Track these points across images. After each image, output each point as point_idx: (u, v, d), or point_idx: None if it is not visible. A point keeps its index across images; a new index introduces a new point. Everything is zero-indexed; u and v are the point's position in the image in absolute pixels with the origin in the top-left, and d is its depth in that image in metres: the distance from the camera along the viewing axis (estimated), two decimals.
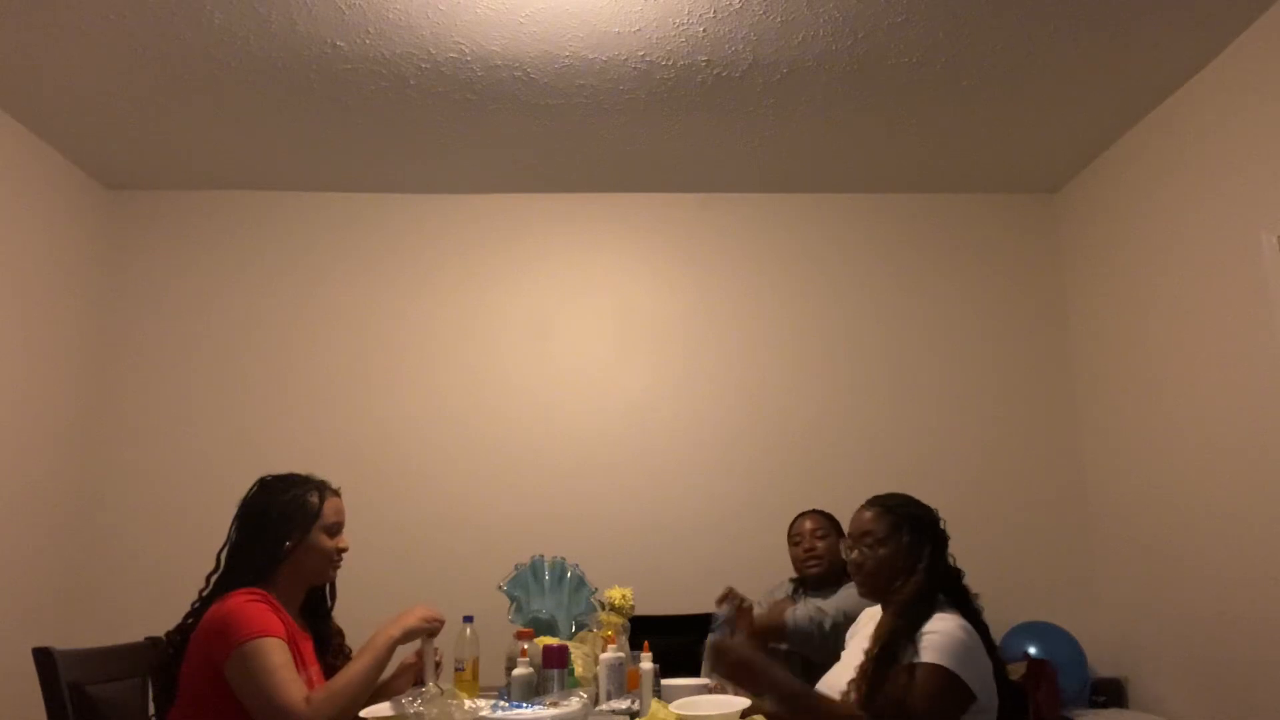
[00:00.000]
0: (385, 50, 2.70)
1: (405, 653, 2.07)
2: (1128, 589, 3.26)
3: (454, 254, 3.65)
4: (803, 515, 2.86)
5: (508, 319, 3.61)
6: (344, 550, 1.95)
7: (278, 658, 1.68)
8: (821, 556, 2.71)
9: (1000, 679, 1.80)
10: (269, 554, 1.84)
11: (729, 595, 2.41)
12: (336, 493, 1.97)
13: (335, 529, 1.92)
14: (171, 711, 1.79)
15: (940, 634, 1.73)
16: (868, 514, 1.94)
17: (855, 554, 1.93)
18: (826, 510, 2.86)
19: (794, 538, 2.81)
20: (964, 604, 1.85)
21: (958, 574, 1.90)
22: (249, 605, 1.74)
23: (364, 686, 1.77)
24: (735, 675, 1.82)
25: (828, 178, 3.62)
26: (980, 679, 1.72)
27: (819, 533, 2.71)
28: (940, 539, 1.91)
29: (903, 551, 1.87)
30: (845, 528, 2.67)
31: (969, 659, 1.71)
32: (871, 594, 1.94)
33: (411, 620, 1.90)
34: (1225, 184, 2.74)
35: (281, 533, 1.85)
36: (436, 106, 3.01)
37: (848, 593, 2.54)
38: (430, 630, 1.94)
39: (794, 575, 2.87)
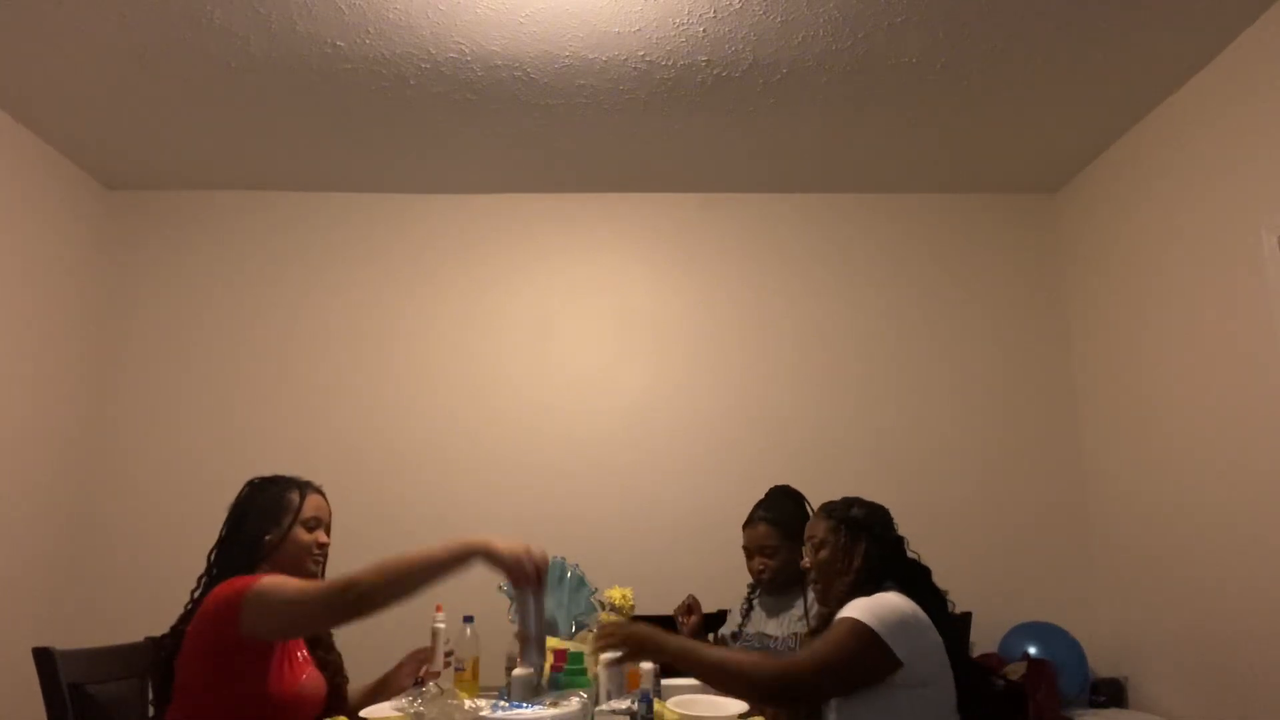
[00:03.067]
0: (385, 50, 2.70)
1: (413, 647, 2.09)
2: (1128, 589, 3.26)
3: (454, 254, 3.65)
4: (754, 522, 2.65)
5: (508, 319, 3.61)
6: (323, 545, 1.96)
7: (284, 580, 1.70)
8: (776, 570, 2.58)
9: (966, 667, 1.81)
10: (250, 549, 1.88)
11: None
12: (319, 491, 2.01)
13: (313, 523, 1.94)
14: (169, 711, 1.79)
15: (869, 598, 1.77)
16: (813, 521, 2.03)
17: (805, 560, 2.02)
18: (789, 494, 2.72)
19: (746, 549, 2.66)
20: (922, 595, 1.84)
21: (921, 570, 1.92)
22: (235, 579, 1.76)
23: (417, 570, 1.61)
24: (629, 649, 1.86)
25: (828, 178, 3.62)
26: (910, 648, 1.70)
27: (768, 550, 2.57)
28: (881, 536, 1.94)
29: (840, 552, 1.93)
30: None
31: (898, 625, 1.71)
32: (821, 597, 1.99)
33: (500, 542, 1.64)
34: (1225, 183, 2.75)
35: (261, 528, 1.89)
36: (436, 106, 3.01)
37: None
38: (517, 568, 1.65)
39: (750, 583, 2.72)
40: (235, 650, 1.69)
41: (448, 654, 2.04)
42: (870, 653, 1.68)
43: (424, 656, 2.04)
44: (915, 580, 1.88)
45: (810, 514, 2.67)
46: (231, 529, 1.92)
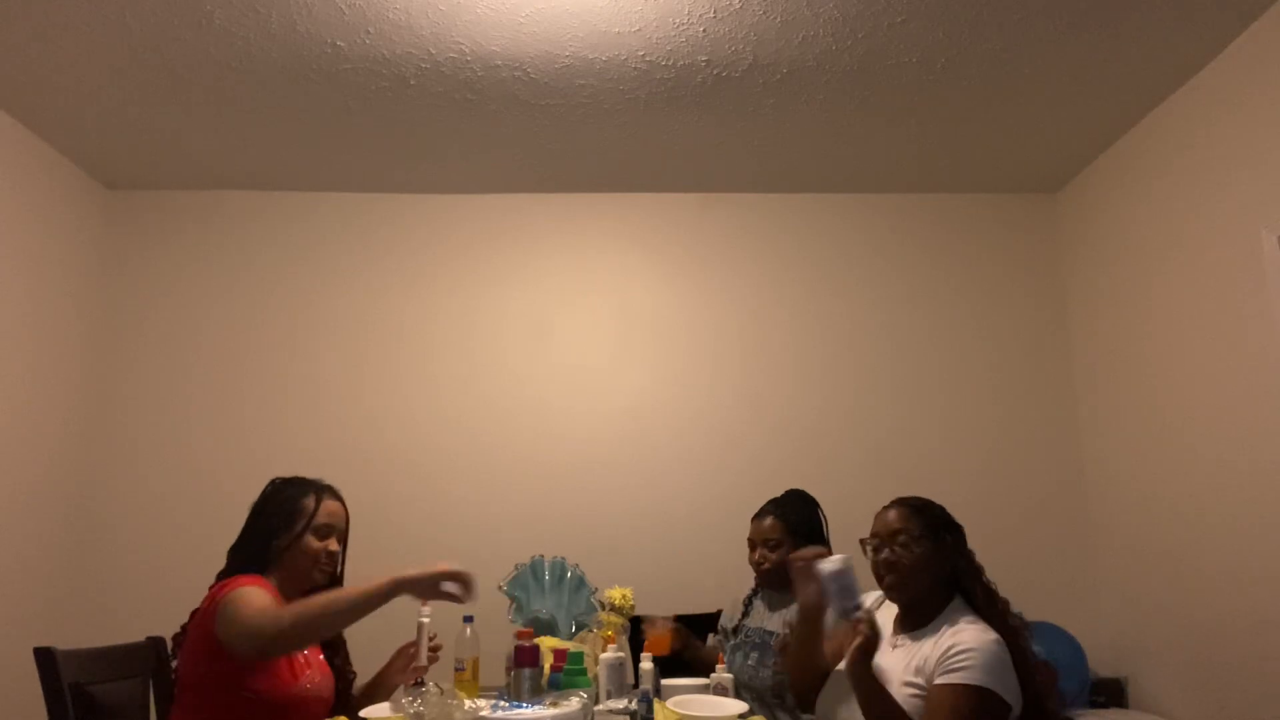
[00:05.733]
0: (385, 50, 2.70)
1: (402, 641, 2.08)
2: (1128, 589, 3.26)
3: (454, 254, 3.65)
4: (763, 515, 2.67)
5: (507, 319, 3.61)
6: (332, 553, 1.95)
7: (256, 596, 1.72)
8: (776, 564, 2.55)
9: (1033, 672, 1.80)
10: (260, 552, 1.88)
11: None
12: (337, 496, 1.98)
13: (325, 531, 1.93)
14: (172, 710, 1.79)
15: (975, 650, 1.73)
16: (903, 515, 1.93)
17: (886, 553, 1.91)
18: (797, 495, 2.71)
19: (750, 540, 2.67)
20: (984, 605, 1.85)
21: (995, 593, 1.91)
22: (237, 577, 1.79)
23: (339, 613, 1.73)
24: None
25: (828, 178, 3.62)
26: (1013, 688, 1.72)
27: (771, 543, 2.57)
28: (966, 552, 1.95)
29: (931, 555, 1.89)
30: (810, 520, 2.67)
31: (1000, 668, 1.72)
32: (897, 591, 1.92)
33: (413, 571, 1.77)
34: (1226, 183, 2.75)
35: (272, 531, 1.89)
36: (436, 106, 3.01)
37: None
38: (435, 586, 1.79)
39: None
40: (220, 650, 1.69)
41: (434, 647, 2.03)
42: (995, 711, 1.69)
43: (412, 652, 2.03)
44: (991, 600, 1.86)
45: (823, 521, 2.68)
46: (246, 528, 1.92)
